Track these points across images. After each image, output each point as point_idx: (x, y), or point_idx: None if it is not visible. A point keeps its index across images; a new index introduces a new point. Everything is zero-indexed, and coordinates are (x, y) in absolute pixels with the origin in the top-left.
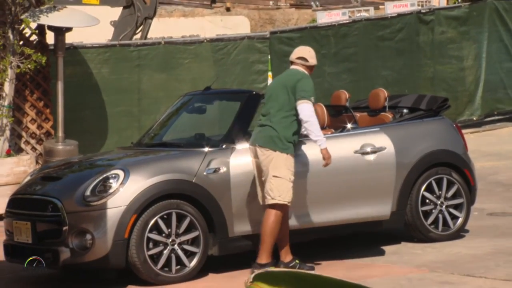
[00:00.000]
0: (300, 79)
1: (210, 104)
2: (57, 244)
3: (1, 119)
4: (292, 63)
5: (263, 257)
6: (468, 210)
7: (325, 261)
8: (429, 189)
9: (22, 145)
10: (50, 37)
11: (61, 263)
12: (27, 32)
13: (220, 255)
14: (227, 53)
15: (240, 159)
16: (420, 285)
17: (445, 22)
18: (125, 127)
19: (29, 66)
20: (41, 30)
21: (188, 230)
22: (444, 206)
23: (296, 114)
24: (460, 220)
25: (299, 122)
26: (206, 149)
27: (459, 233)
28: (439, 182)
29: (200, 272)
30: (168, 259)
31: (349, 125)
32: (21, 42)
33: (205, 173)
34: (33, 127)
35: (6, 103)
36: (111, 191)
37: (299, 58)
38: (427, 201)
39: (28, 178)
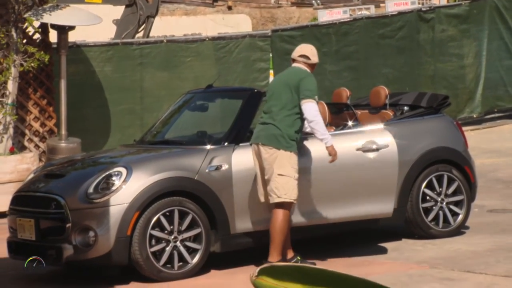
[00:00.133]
0: (304, 78)
1: (212, 102)
2: (60, 241)
3: (4, 117)
4: (294, 61)
5: (274, 255)
6: (468, 207)
7: (325, 258)
8: (430, 186)
9: (26, 143)
10: (53, 36)
11: (64, 260)
12: (30, 30)
13: (222, 252)
14: (229, 51)
15: (242, 157)
16: (421, 281)
17: (445, 20)
18: (128, 125)
19: (32, 64)
20: (44, 28)
21: (190, 227)
22: (444, 203)
23: (299, 112)
24: (460, 217)
25: (301, 120)
26: (208, 146)
27: (460, 230)
28: (439, 179)
29: (202, 269)
30: (171, 256)
31: (350, 123)
32: (24, 41)
33: (207, 171)
34: (36, 125)
35: (9, 101)
36: (113, 188)
37: (301, 56)
38: (428, 198)
39: (32, 175)
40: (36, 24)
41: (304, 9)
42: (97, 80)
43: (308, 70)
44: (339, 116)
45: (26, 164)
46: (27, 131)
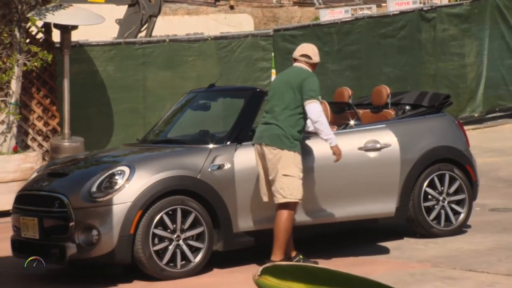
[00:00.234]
0: (306, 78)
1: (214, 101)
2: (63, 239)
3: (8, 117)
4: (295, 60)
5: (277, 254)
6: (470, 206)
7: (327, 258)
8: (432, 185)
9: (29, 142)
10: (56, 35)
11: (68, 258)
12: (34, 30)
13: (224, 251)
14: (231, 50)
15: (244, 156)
16: (423, 280)
17: (447, 19)
18: (131, 124)
19: (35, 64)
20: (47, 28)
21: (193, 226)
22: (446, 202)
23: (302, 112)
24: (462, 216)
25: (304, 119)
26: (211, 145)
27: (461, 229)
28: (441, 178)
29: (205, 267)
30: (173, 255)
31: (352, 122)
32: (27, 40)
33: (209, 170)
34: (39, 124)
35: (13, 100)
36: (117, 187)
37: (302, 55)
38: (430, 197)
39: (35, 174)
40: (39, 23)
41: (306, 9)
42: (100, 80)
43: (309, 69)
44: (341, 115)
45: (30, 163)
46: (30, 130)
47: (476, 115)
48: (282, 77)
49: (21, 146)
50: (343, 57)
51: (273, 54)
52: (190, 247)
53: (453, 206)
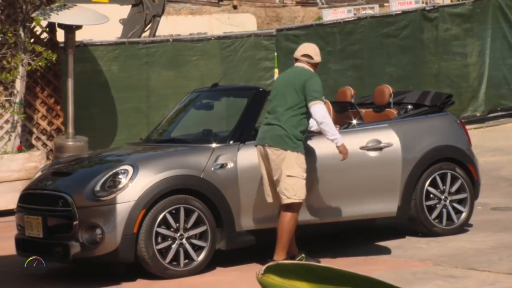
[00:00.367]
0: (309, 78)
1: (218, 100)
2: (67, 238)
3: (12, 116)
4: (296, 60)
5: (280, 254)
6: (471, 205)
7: (328, 256)
8: (433, 184)
9: (33, 141)
10: (60, 35)
11: (71, 257)
12: (38, 30)
13: (227, 250)
14: (234, 50)
15: (247, 155)
16: (425, 279)
17: (449, 19)
18: (134, 124)
19: (40, 63)
20: (51, 28)
21: (196, 225)
22: (448, 201)
23: (304, 112)
24: (463, 215)
25: (307, 120)
26: (214, 145)
27: (463, 228)
28: (443, 177)
29: (207, 266)
30: (177, 253)
31: (354, 121)
32: (32, 40)
33: (212, 169)
34: (44, 124)
35: (17, 100)
36: (120, 186)
37: (304, 55)
38: (431, 196)
39: (39, 173)
40: (44, 23)
41: (308, 9)
42: (103, 79)
43: (311, 69)
44: (343, 114)
45: (34, 162)
46: (34, 130)
47: (478, 114)
48: (284, 78)
49: (26, 145)
50: (345, 56)
51: (276, 54)
52: (193, 246)
53: (455, 205)
